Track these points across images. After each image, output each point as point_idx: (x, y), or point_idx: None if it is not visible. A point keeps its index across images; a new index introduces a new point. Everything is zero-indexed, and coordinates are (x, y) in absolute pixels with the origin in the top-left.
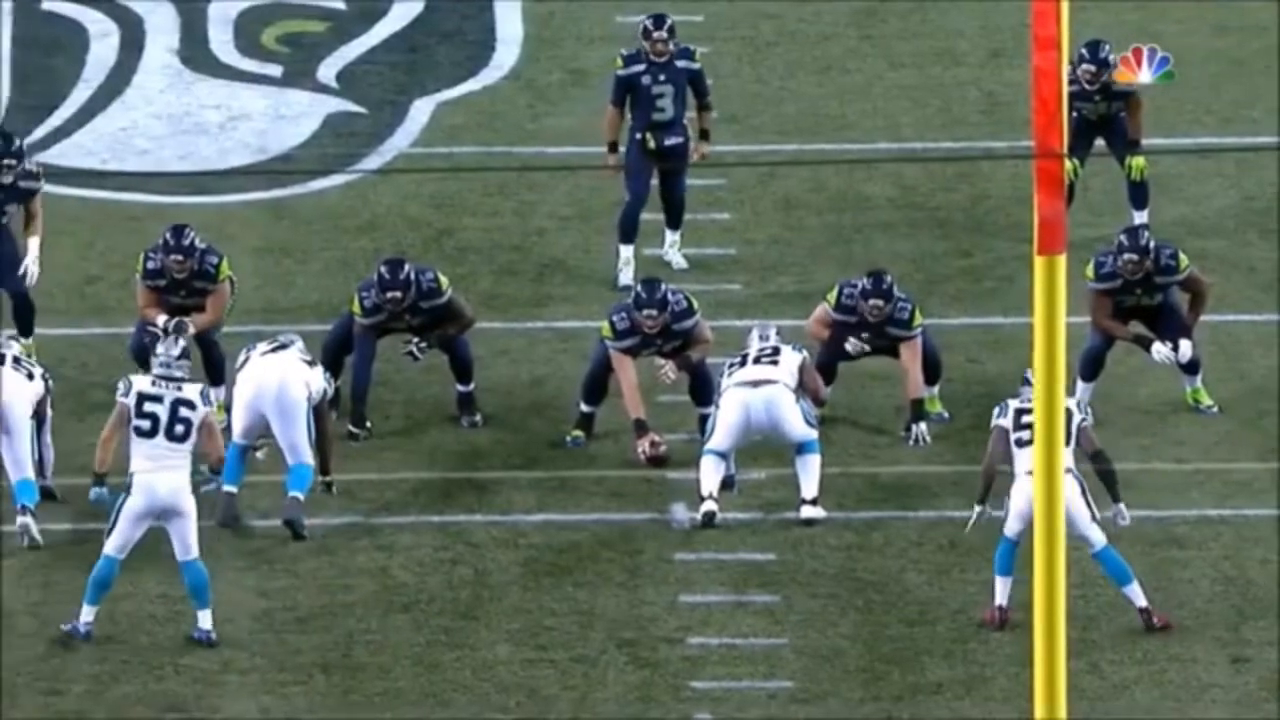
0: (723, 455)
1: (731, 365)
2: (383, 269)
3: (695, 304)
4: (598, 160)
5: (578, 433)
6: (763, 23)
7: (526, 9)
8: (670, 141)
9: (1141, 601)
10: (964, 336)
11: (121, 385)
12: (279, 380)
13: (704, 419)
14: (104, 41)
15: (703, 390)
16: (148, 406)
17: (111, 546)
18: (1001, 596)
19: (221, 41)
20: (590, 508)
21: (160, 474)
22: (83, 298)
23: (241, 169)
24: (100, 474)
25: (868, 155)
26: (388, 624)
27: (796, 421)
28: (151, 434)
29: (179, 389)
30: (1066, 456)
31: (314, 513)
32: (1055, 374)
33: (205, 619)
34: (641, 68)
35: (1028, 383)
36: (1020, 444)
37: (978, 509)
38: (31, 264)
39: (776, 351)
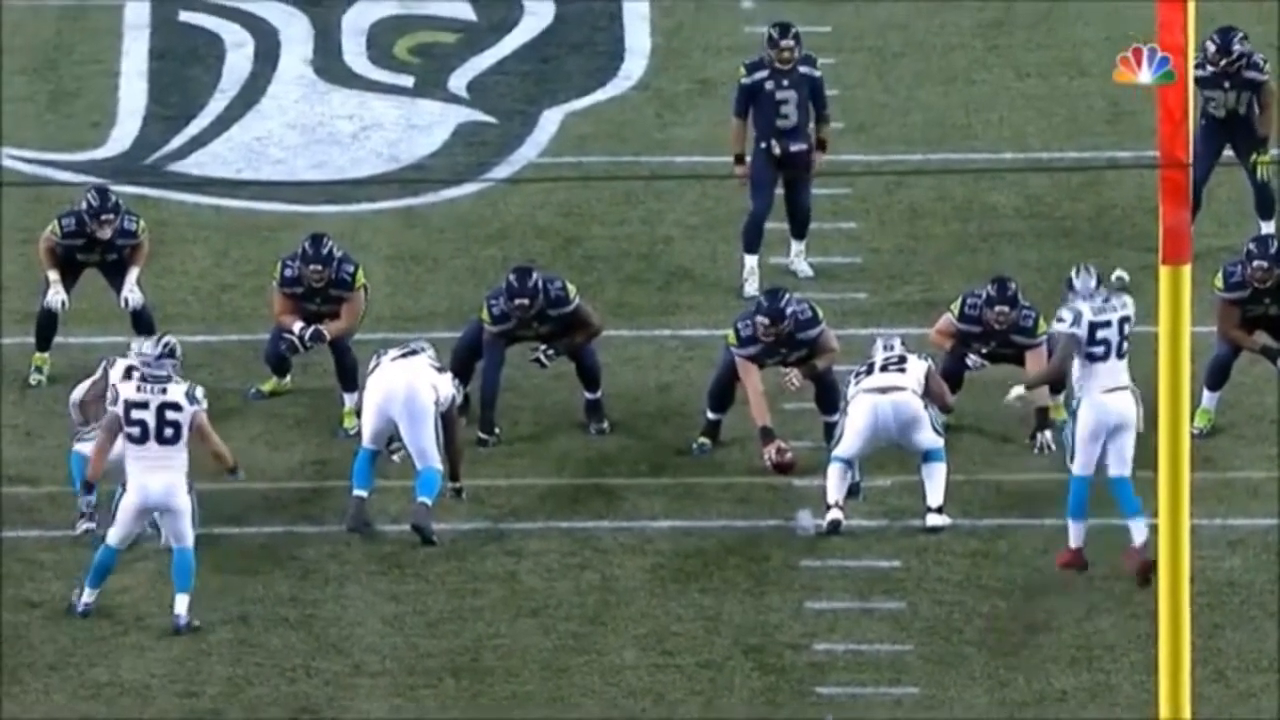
0: (849, 462)
1: (858, 374)
2: (511, 277)
3: (820, 313)
4: (724, 169)
5: (704, 440)
6: (890, 33)
7: (655, 20)
8: (795, 148)
9: (1141, 538)
10: None
11: (110, 394)
12: (407, 385)
13: (829, 427)
14: (239, 52)
15: (828, 398)
16: (135, 414)
17: (113, 538)
18: (1075, 539)
19: (355, 52)
20: (717, 514)
21: (154, 474)
22: (218, 305)
23: (374, 178)
24: (90, 483)
25: (994, 165)
26: (516, 629)
27: (924, 429)
28: (143, 440)
29: (164, 392)
30: (1123, 372)
31: (443, 518)
32: (1180, 383)
33: (182, 604)
34: (765, 74)
35: (1092, 277)
36: (1093, 359)
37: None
38: (128, 292)
39: (903, 360)
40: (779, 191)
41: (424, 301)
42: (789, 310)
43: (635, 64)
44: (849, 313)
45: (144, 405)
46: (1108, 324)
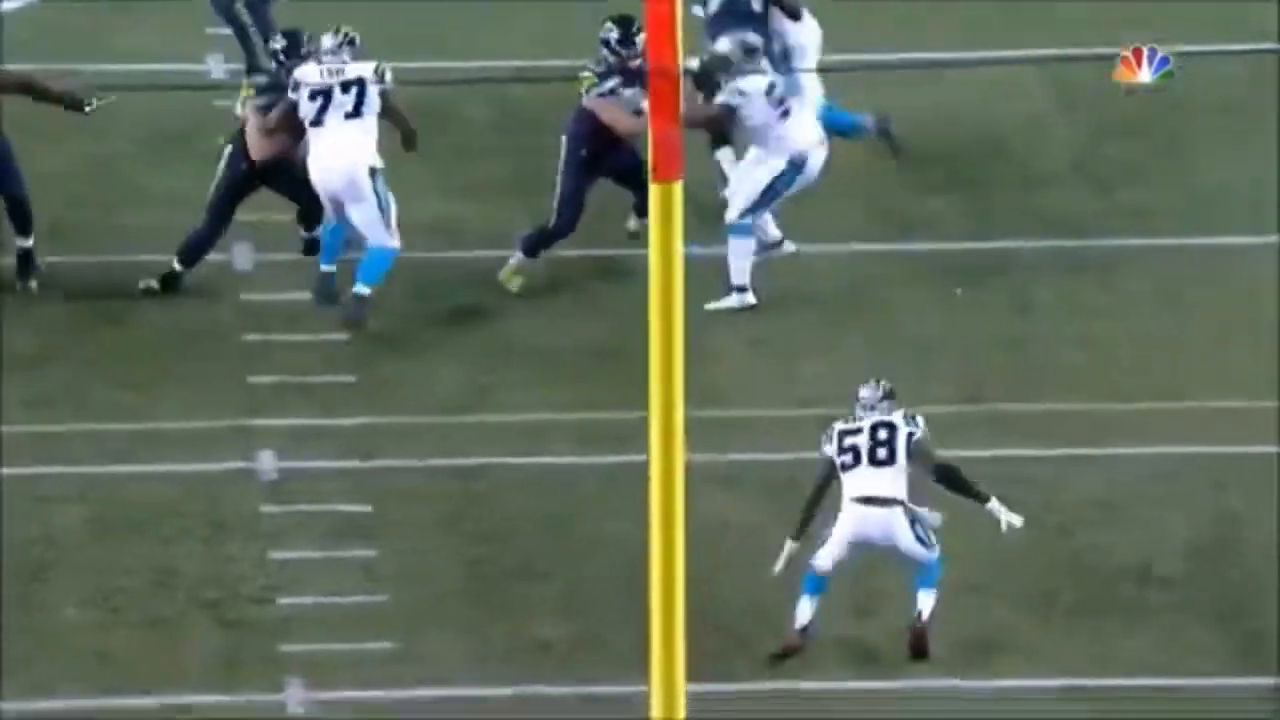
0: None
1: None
2: None
3: None
4: (177, 79)
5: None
6: None
7: None
8: None
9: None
10: (580, 267)
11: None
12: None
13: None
14: None
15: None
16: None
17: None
18: (804, 617)
19: None
20: (170, 458)
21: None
22: None
23: None
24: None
25: (469, 75)
26: None
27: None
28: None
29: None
30: (893, 482)
31: None
32: (672, 308)
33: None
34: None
35: (878, 390)
36: (844, 468)
37: (790, 545)
38: None
39: (892, 437)
40: None
41: None
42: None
43: None
44: None
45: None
46: (858, 431)
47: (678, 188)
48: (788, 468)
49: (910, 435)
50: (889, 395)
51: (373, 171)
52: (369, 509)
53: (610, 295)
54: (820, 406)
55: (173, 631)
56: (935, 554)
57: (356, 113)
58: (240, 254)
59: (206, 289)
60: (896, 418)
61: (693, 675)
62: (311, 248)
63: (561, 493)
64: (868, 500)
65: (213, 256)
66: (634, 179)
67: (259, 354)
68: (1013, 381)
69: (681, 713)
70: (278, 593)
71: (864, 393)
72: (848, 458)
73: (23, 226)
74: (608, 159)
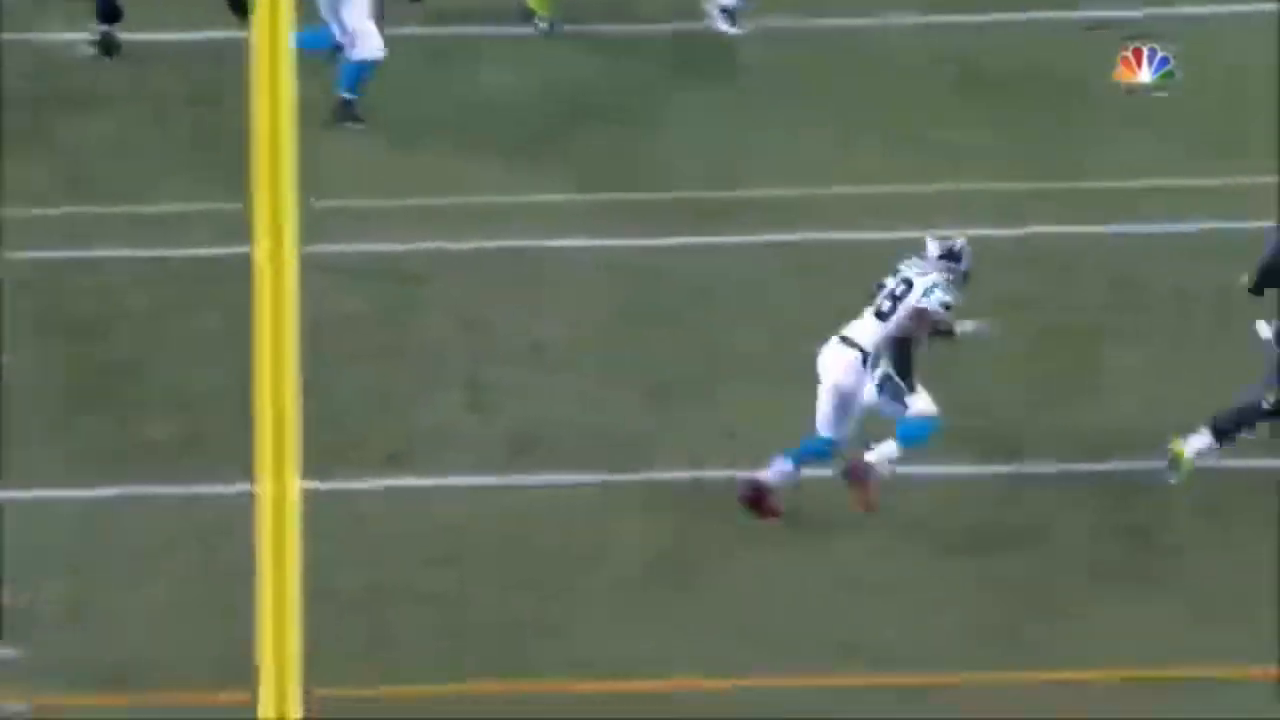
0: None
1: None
2: None
3: None
4: None
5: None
6: None
7: None
8: None
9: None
10: (186, 52)
11: None
12: None
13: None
14: None
15: None
16: None
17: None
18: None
19: None
20: None
21: None
22: None
23: None
24: None
25: None
26: None
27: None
28: None
29: None
30: (872, 332)
31: None
32: (280, 96)
33: None
34: None
35: (934, 247)
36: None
37: None
38: None
39: (905, 295)
40: None
41: None
42: None
43: None
44: None
45: None
46: (896, 272)
47: None
48: (408, 260)
49: (917, 305)
50: (948, 255)
51: None
52: None
53: (222, 81)
54: (441, 195)
55: None
56: (909, 411)
57: None
58: None
59: None
60: (923, 280)
61: (306, 473)
62: (106, 45)
63: (166, 287)
64: (844, 339)
65: None
66: None
67: None
68: (623, 171)
69: (295, 509)
70: None
71: (930, 244)
72: (877, 295)
73: None
74: None
